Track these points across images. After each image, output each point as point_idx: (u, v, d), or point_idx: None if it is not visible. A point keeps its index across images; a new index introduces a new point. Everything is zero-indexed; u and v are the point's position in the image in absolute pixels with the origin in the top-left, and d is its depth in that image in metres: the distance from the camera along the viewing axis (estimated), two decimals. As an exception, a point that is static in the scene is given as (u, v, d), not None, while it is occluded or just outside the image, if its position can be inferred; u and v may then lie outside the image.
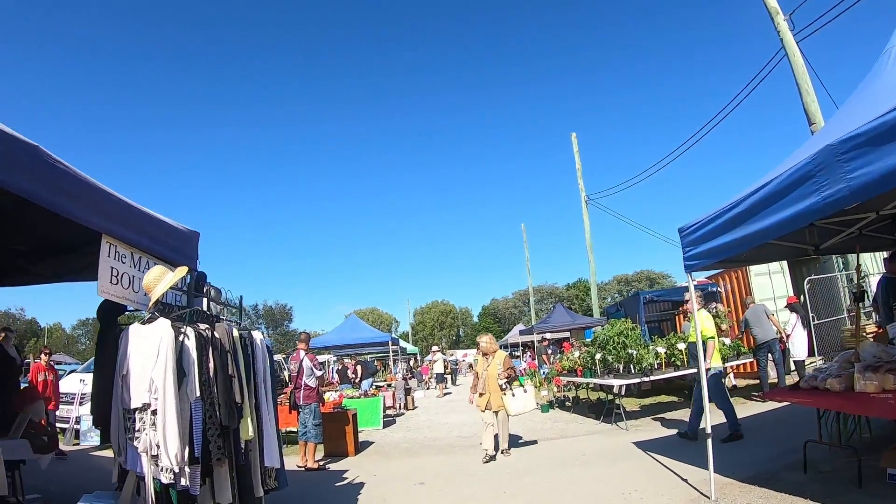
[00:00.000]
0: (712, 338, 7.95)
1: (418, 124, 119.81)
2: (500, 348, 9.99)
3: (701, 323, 7.42)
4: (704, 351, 7.48)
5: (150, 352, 3.50)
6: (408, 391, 17.32)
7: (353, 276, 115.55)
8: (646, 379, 10.65)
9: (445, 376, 24.58)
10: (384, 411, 13.60)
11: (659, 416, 11.28)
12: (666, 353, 10.94)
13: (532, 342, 26.75)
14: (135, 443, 3.46)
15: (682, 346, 10.94)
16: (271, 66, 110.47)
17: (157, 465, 3.38)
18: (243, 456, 4.13)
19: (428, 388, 27.46)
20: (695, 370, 10.35)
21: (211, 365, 3.79)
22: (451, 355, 46.28)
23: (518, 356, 27.33)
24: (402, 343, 33.08)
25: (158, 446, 3.36)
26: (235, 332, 4.26)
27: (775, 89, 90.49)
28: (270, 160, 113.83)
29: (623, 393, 10.57)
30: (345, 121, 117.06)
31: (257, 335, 4.78)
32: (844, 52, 69.06)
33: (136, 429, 3.45)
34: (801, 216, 3.89)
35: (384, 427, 13.05)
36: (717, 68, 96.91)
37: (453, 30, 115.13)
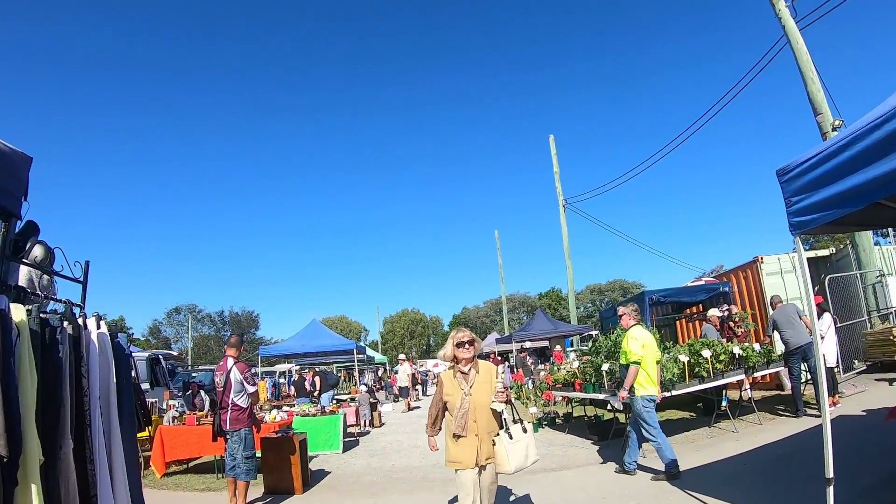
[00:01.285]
0: (636, 363, 6.71)
1: (388, 126, 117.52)
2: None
3: (627, 342, 6.81)
4: (626, 376, 6.80)
5: None
6: (374, 406, 15.18)
7: (321, 284, 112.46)
8: (668, 394, 8.76)
9: (412, 390, 22.35)
10: (345, 430, 11.48)
11: (674, 436, 9.44)
12: (690, 361, 9.11)
13: (510, 351, 24.85)
14: None
15: (706, 353, 9.18)
16: (236, 66, 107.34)
17: None
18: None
19: (397, 401, 25.32)
20: (717, 383, 8.67)
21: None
22: (422, 365, 44.16)
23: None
24: (370, 352, 30.88)
25: None
26: (20, 314, 2.14)
27: (771, 86, 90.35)
28: (235, 163, 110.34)
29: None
30: (313, 124, 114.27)
31: (93, 324, 2.69)
32: (850, 38, 69.25)
33: None
34: None
35: (345, 451, 10.92)
36: (709, 64, 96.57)
37: (422, 23, 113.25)
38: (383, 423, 15.47)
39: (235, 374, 6.53)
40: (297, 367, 25.49)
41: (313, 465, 9.56)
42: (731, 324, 11.41)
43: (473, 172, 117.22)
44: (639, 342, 6.74)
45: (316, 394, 14.92)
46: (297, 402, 15.20)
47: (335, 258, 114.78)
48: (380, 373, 31.04)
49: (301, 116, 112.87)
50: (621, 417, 10.31)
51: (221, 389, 6.58)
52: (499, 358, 22.01)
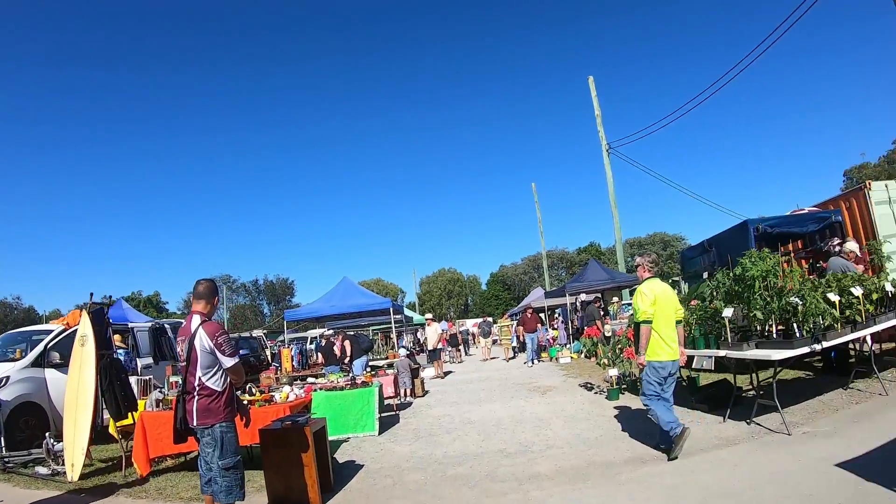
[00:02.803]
0: (648, 322, 5.72)
1: (420, 79, 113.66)
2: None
3: (636, 298, 5.95)
4: (637, 338, 5.98)
5: None
6: (415, 372, 12.94)
7: (356, 248, 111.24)
8: (818, 346, 6.21)
9: (442, 351, 20.11)
10: (382, 404, 9.27)
11: (804, 402, 7.16)
12: (841, 302, 6.62)
13: (564, 305, 22.35)
14: None
15: (858, 290, 6.74)
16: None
17: None
18: None
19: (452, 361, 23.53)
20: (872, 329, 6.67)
21: None
22: (462, 325, 42.17)
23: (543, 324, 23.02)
24: (408, 312, 28.70)
25: None
26: None
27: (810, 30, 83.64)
28: (267, 130, 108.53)
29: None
30: (346, 87, 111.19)
31: None
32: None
33: None
34: None
35: (382, 432, 8.70)
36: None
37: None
38: (427, 392, 13.27)
39: (203, 340, 4.21)
40: (330, 332, 23.44)
41: (341, 456, 7.37)
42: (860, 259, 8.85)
43: (506, 123, 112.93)
44: (648, 298, 5.69)
45: (347, 361, 12.77)
46: (325, 370, 13.08)
47: (369, 221, 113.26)
48: (419, 334, 28.92)
49: (334, 79, 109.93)
50: (740, 381, 7.88)
51: (185, 364, 4.28)
52: (528, 315, 19.65)
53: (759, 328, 6.62)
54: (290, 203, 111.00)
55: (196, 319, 4.35)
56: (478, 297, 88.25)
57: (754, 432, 6.25)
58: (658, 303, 5.68)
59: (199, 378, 4.24)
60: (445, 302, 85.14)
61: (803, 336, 6.14)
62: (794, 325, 6.21)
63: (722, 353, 6.74)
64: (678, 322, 5.93)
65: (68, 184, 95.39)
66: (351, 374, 11.57)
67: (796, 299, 6.24)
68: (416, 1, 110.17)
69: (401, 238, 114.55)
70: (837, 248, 8.69)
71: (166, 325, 13.16)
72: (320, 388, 9.19)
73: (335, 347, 13.11)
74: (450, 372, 18.91)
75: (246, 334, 21.27)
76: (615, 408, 8.82)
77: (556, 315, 26.92)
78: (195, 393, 4.26)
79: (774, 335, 6.37)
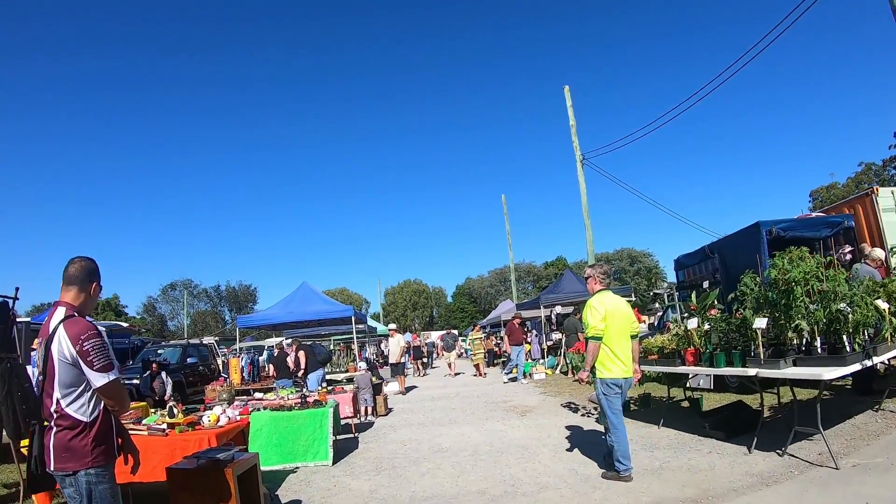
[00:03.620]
0: (597, 338, 5.34)
1: (388, 85, 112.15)
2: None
3: (586, 312, 5.46)
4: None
5: None
6: (377, 388, 11.55)
7: (322, 256, 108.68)
8: (869, 362, 5.16)
9: (406, 365, 18.53)
10: (338, 426, 7.90)
11: (835, 427, 6.16)
12: (891, 309, 5.61)
13: (538, 318, 21.20)
14: None
15: None
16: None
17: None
18: None
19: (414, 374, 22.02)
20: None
21: None
22: (427, 337, 40.85)
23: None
24: (372, 322, 27.21)
25: None
26: None
27: (793, 45, 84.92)
28: (229, 135, 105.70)
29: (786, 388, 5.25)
30: (306, 91, 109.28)
31: None
32: None
33: None
34: None
35: (336, 461, 7.32)
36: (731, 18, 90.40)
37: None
38: (390, 410, 11.88)
39: (62, 346, 2.82)
40: (288, 341, 21.75)
41: (286, 492, 6.00)
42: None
43: (478, 137, 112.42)
44: (599, 312, 5.39)
45: (301, 374, 11.31)
46: (276, 384, 11.60)
47: (335, 229, 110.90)
48: (384, 346, 27.40)
49: (294, 84, 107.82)
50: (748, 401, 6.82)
51: (41, 379, 2.89)
52: (515, 325, 18.38)
53: (796, 342, 5.50)
54: (255, 209, 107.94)
55: (59, 314, 2.95)
56: (443, 309, 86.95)
57: (791, 466, 5.15)
58: (609, 317, 5.35)
59: (57, 401, 2.85)
60: (410, 313, 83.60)
61: (854, 351, 5.06)
62: (843, 336, 5.13)
63: (752, 371, 5.60)
64: (633, 337, 5.59)
65: (22, 178, 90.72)
66: (305, 390, 10.19)
67: (845, 306, 5.15)
68: (387, 3, 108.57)
69: (367, 247, 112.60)
70: (865, 254, 7.75)
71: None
72: (265, 407, 7.76)
73: (288, 359, 11.65)
74: (413, 387, 17.52)
75: (196, 341, 19.49)
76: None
77: (528, 328, 25.78)
78: (52, 423, 2.87)
79: (819, 349, 5.27)
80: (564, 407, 10.49)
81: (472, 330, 23.08)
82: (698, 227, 41.64)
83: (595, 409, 9.98)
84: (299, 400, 7.89)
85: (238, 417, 6.25)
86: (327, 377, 12.69)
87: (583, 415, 9.39)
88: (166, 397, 12.35)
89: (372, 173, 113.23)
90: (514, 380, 16.41)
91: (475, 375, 19.91)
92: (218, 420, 6.00)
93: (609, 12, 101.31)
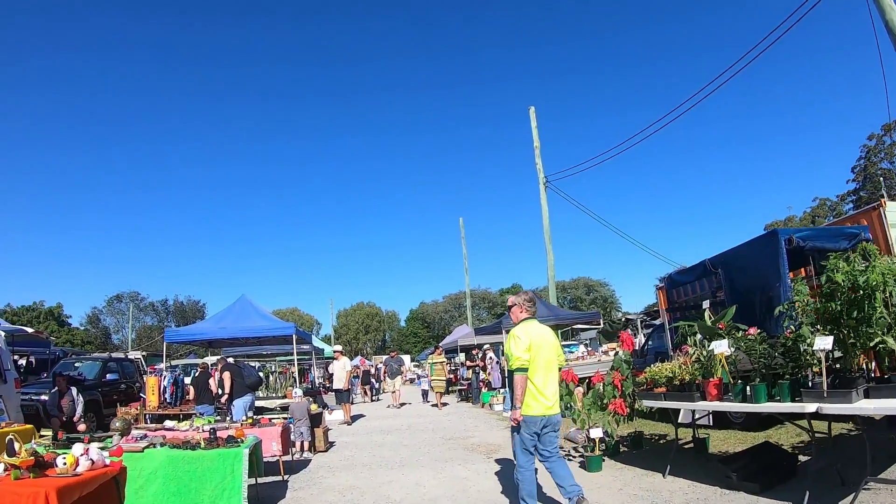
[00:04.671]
0: (523, 369, 4.79)
1: (345, 100, 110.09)
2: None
3: (508, 343, 5.02)
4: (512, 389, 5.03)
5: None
6: (316, 419, 9.75)
7: (273, 275, 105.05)
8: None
9: (353, 392, 16.32)
10: (259, 469, 6.17)
11: (883, 472, 4.72)
12: None
13: (498, 344, 19.67)
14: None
15: None
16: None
17: None
18: None
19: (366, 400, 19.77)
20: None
21: None
22: (379, 360, 38.86)
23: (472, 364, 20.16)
24: (319, 343, 25.19)
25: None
26: None
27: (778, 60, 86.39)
28: (183, 147, 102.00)
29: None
30: (261, 106, 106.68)
31: None
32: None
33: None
34: None
35: (250, 519, 5.56)
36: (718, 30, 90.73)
37: None
38: (331, 445, 10.10)
39: None
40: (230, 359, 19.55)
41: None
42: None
43: (437, 158, 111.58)
44: (523, 342, 4.85)
45: (224, 399, 9.46)
46: (196, 409, 9.72)
47: (288, 248, 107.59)
48: (331, 369, 25.32)
49: (247, 98, 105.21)
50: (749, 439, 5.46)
51: None
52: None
53: (865, 366, 4.17)
54: (207, 224, 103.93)
55: None
56: (396, 333, 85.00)
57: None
58: (534, 348, 4.90)
59: None
60: (363, 336, 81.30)
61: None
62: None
63: (811, 407, 4.20)
64: (561, 368, 5.45)
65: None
66: (228, 418, 8.41)
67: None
68: (353, 15, 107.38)
69: (320, 268, 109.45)
70: None
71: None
72: (163, 443, 5.97)
73: (211, 381, 9.79)
74: (360, 416, 15.70)
75: (119, 355, 17.19)
76: (602, 486, 6.13)
77: (485, 355, 24.26)
78: None
79: (868, 375, 3.98)
80: (536, 446, 8.96)
81: (433, 353, 20.18)
82: (658, 255, 41.18)
83: (574, 448, 8.53)
84: (208, 435, 6.12)
85: (107, 461, 4.47)
86: (259, 404, 10.85)
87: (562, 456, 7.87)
88: (75, 418, 10.35)
89: (328, 192, 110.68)
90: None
91: (434, 405, 17.89)
92: (75, 465, 4.22)
93: (576, 36, 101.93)
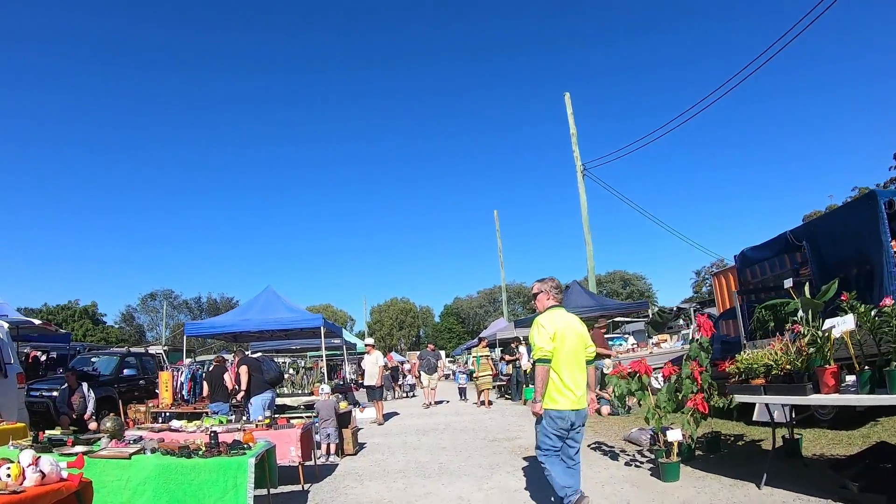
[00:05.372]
0: (545, 360, 4.48)
1: (377, 93, 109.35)
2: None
3: (532, 332, 4.70)
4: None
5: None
6: (344, 419, 8.72)
7: (307, 271, 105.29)
8: None
9: (383, 389, 14.58)
10: (273, 479, 5.15)
11: None
12: None
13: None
14: None
15: None
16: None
17: None
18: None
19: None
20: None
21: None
22: (413, 357, 37.88)
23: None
24: (350, 337, 24.28)
25: None
26: None
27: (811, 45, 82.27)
28: (215, 148, 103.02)
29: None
30: (294, 105, 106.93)
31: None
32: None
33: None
34: None
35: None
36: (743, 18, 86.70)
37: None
38: (361, 447, 9.08)
39: None
40: (258, 354, 18.47)
41: None
42: None
43: (468, 145, 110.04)
44: (547, 332, 4.51)
45: (240, 395, 8.50)
46: (210, 407, 8.79)
47: (322, 245, 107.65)
48: (363, 364, 24.20)
49: (285, 99, 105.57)
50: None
51: None
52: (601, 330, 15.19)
53: None
54: (241, 222, 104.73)
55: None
56: (430, 328, 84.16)
57: None
58: (559, 338, 4.54)
59: None
60: (396, 333, 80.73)
61: None
62: None
63: None
64: (589, 362, 4.81)
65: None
66: (245, 417, 7.46)
67: None
68: (382, 12, 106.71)
69: (353, 264, 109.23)
70: None
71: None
72: (155, 448, 4.98)
73: (226, 375, 8.85)
74: (393, 414, 14.62)
75: (139, 350, 16.49)
76: (686, 500, 4.97)
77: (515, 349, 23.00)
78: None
79: None
80: (594, 449, 7.84)
81: (477, 345, 17.77)
82: (698, 246, 39.25)
83: (639, 452, 7.35)
84: (211, 437, 5.11)
85: (64, 474, 3.48)
86: (282, 401, 9.89)
87: (630, 464, 6.69)
88: (86, 416, 9.66)
89: (360, 187, 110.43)
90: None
91: (476, 405, 16.01)
92: (22, 476, 3.22)
93: (608, 9, 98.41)
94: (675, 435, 6.03)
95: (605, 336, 17.05)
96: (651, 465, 6.44)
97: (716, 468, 6.01)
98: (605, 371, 9.65)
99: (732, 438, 7.62)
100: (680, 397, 6.35)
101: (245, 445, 5.04)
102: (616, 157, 25.49)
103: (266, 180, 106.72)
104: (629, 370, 6.84)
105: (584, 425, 4.73)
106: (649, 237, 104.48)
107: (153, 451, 4.93)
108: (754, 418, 8.11)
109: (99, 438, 5.41)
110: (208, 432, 6.07)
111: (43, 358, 15.57)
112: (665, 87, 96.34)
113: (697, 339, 6.62)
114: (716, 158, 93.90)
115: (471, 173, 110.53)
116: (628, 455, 7.27)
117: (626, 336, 21.22)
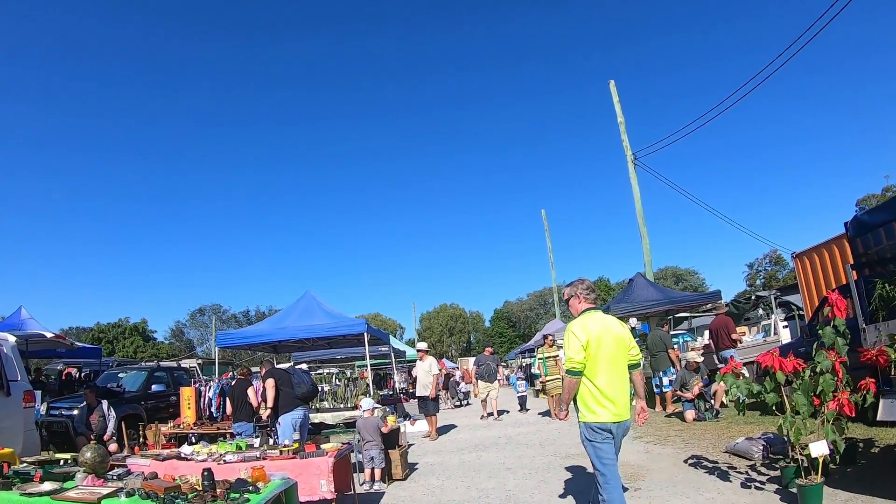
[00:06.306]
0: (575, 373, 4.09)
1: (419, 96, 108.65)
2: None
3: (566, 342, 4.23)
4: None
5: None
6: (392, 439, 7.37)
7: (355, 281, 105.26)
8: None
9: (438, 401, 12.47)
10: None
11: None
12: None
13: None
14: None
15: None
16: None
17: None
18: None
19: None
20: None
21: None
22: (464, 364, 36.61)
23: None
24: (398, 345, 23.02)
25: None
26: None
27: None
28: (264, 161, 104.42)
29: None
30: (341, 108, 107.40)
31: None
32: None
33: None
34: None
35: None
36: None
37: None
38: (413, 469, 7.74)
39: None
40: (303, 366, 17.13)
41: None
42: None
43: (513, 145, 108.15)
44: (579, 340, 4.05)
45: (265, 414, 7.27)
46: (234, 428, 7.62)
47: (368, 253, 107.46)
48: (414, 372, 22.43)
49: (328, 107, 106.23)
50: None
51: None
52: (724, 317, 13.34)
53: None
54: (286, 234, 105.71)
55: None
56: (481, 334, 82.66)
57: None
58: (594, 345, 4.05)
59: None
60: (447, 339, 79.48)
61: None
62: None
63: None
64: (633, 367, 4.26)
65: (53, 204, 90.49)
66: (272, 439, 6.23)
67: None
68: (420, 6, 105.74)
69: (402, 272, 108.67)
70: None
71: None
72: (131, 491, 3.75)
73: (250, 391, 7.66)
74: (449, 427, 13.02)
75: (170, 364, 15.61)
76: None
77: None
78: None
79: None
80: (693, 466, 6.35)
81: (543, 345, 14.91)
82: (756, 236, 36.67)
83: (751, 468, 5.82)
84: (203, 478, 3.84)
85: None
86: (319, 418, 8.65)
87: (743, 484, 5.19)
88: (106, 436, 8.75)
89: (406, 194, 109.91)
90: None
91: (543, 415, 13.89)
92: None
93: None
94: (820, 448, 4.52)
95: (671, 333, 15.27)
96: (776, 486, 5.03)
97: (860, 486, 4.67)
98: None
99: (863, 445, 6.05)
100: (824, 397, 4.78)
101: (251, 487, 3.76)
102: (668, 144, 23.47)
103: (315, 193, 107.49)
104: (744, 366, 5.26)
105: (621, 438, 4.23)
106: (699, 231, 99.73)
107: (129, 494, 3.71)
108: (879, 418, 6.45)
109: (74, 473, 4.26)
110: (220, 460, 4.88)
111: (77, 375, 14.90)
112: (719, 62, 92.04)
113: (833, 323, 5.02)
114: (753, 144, 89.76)
115: (517, 173, 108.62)
116: (740, 473, 5.79)
117: (689, 333, 19.34)
